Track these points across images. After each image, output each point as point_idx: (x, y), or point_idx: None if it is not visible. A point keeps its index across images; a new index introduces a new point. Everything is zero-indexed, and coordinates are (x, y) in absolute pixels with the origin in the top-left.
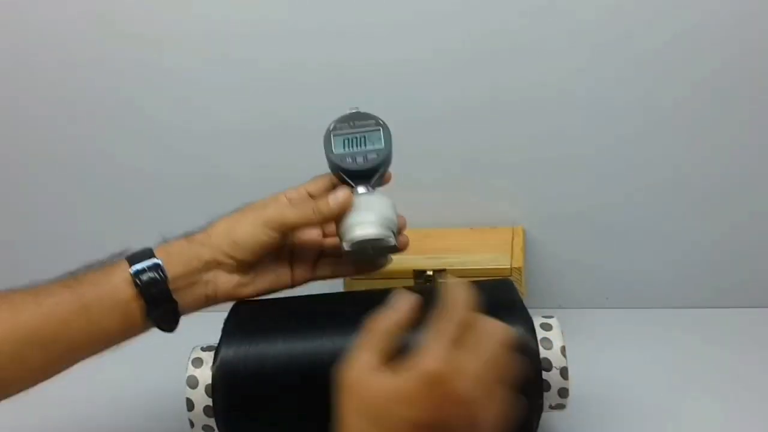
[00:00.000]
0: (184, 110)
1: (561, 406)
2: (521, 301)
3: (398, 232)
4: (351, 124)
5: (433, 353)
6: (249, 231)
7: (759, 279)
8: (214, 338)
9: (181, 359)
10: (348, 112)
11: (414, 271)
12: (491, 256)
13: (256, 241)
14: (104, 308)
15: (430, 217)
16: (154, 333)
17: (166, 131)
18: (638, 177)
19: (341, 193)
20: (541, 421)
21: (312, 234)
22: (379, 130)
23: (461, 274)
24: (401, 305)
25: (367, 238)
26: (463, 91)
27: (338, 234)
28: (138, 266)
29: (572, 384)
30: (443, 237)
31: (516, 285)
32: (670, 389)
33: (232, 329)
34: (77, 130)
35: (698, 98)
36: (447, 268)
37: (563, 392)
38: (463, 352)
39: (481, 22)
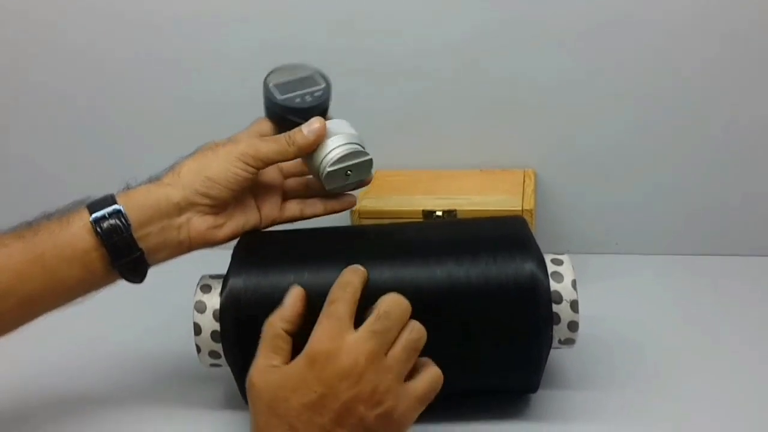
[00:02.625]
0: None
1: (570, 341)
2: (533, 237)
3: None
4: (282, 73)
5: (316, 335)
6: (223, 166)
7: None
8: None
9: (189, 290)
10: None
11: (423, 211)
12: (502, 198)
13: (232, 176)
14: (62, 259)
15: (441, 158)
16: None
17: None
18: (653, 124)
19: (316, 123)
20: (550, 360)
21: (272, 175)
22: (312, 73)
23: (471, 215)
24: (289, 301)
25: (347, 152)
26: (475, 34)
27: (312, 167)
28: (98, 214)
29: (581, 324)
30: (454, 178)
31: (528, 222)
32: (677, 334)
33: (241, 259)
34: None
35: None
36: (456, 209)
37: (573, 326)
38: (352, 329)
39: None
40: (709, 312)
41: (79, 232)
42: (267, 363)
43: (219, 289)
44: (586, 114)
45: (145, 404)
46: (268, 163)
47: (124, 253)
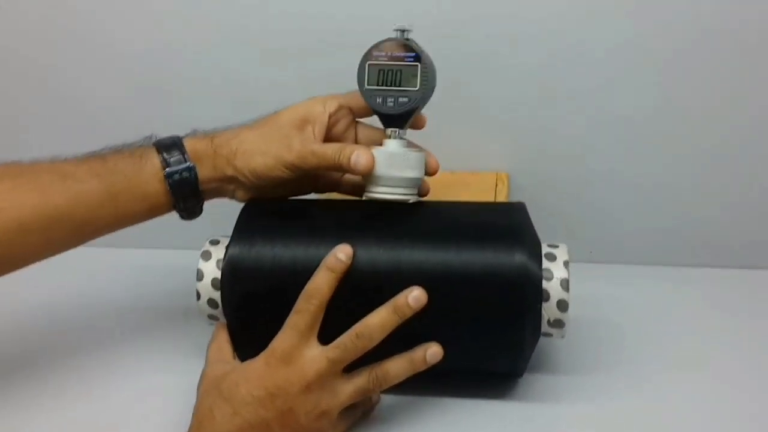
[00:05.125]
0: None
1: (559, 324)
2: (530, 224)
3: (430, 174)
4: (389, 54)
5: (279, 339)
6: (270, 165)
7: (742, 241)
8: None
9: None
10: (392, 36)
11: None
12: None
13: (275, 176)
14: (134, 199)
15: None
16: None
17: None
18: (627, 129)
19: (364, 158)
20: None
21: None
22: (417, 66)
23: None
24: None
25: (384, 200)
26: (447, 31)
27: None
28: (171, 168)
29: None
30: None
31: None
32: (649, 344)
33: (243, 228)
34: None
35: (698, 46)
36: None
37: (562, 305)
38: (311, 342)
39: None
40: (681, 320)
41: (151, 179)
42: (226, 365)
43: (217, 257)
44: (562, 117)
45: (140, 349)
46: (314, 170)
47: (188, 202)
